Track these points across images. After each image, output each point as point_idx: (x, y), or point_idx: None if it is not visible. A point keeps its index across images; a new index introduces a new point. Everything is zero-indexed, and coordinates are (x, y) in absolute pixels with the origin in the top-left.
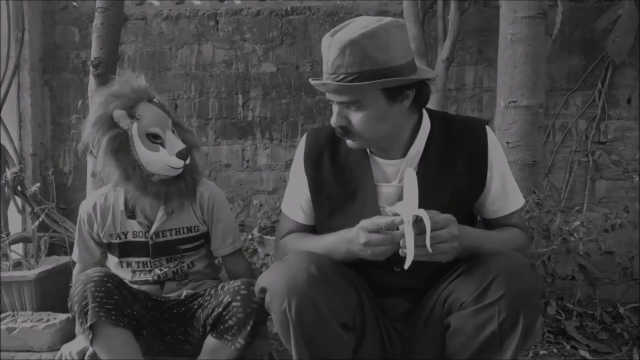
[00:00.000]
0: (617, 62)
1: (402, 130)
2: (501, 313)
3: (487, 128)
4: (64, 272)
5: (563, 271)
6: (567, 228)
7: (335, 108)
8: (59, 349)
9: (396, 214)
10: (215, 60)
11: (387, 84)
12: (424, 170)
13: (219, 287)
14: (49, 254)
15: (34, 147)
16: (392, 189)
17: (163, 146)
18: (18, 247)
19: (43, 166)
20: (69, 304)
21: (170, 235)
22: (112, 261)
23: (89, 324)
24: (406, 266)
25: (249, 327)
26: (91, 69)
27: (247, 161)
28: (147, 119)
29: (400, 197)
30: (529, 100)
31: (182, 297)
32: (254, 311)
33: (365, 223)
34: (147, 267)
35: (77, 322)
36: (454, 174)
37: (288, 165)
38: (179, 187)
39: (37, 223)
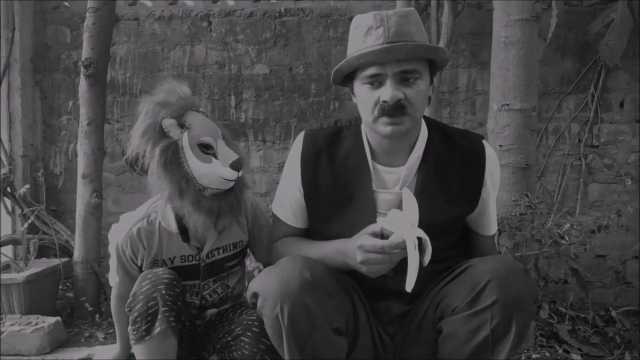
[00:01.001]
0: (610, 66)
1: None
2: (494, 318)
3: (485, 144)
4: (54, 274)
5: (556, 275)
6: (558, 231)
7: (388, 83)
8: (47, 353)
9: (384, 229)
10: (208, 62)
11: (441, 56)
12: (422, 178)
13: (238, 311)
14: (39, 256)
15: (24, 148)
16: (392, 196)
17: (215, 157)
18: (7, 250)
19: (33, 167)
20: (129, 300)
21: (219, 254)
22: None
23: (158, 328)
24: (409, 289)
25: None
26: (82, 69)
27: None
28: (198, 128)
29: (398, 205)
30: (521, 104)
31: (208, 319)
32: (260, 351)
33: (364, 241)
34: (195, 288)
35: (130, 319)
36: (450, 184)
37: (281, 167)
38: (230, 202)
39: (26, 225)
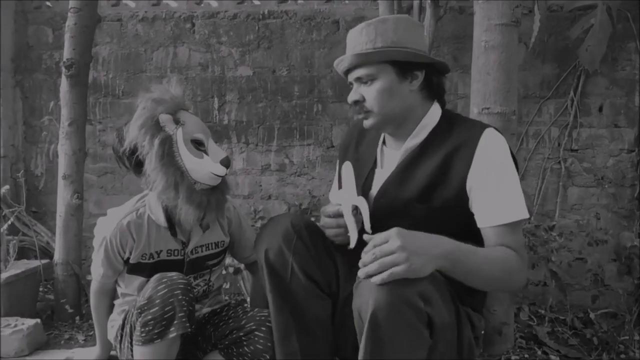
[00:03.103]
0: (589, 71)
1: (411, 115)
2: None
3: (487, 133)
4: (34, 276)
5: (536, 277)
6: (546, 236)
7: (354, 86)
8: (26, 355)
9: (335, 203)
10: (191, 63)
11: (394, 56)
12: (408, 159)
13: (240, 309)
14: (19, 257)
15: (4, 149)
16: (383, 174)
17: (207, 153)
18: None
19: (14, 168)
20: (142, 303)
21: (202, 251)
22: (135, 281)
23: (174, 333)
24: (350, 246)
25: None
26: (63, 70)
27: None
28: (192, 125)
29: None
30: (501, 107)
31: (200, 317)
32: (273, 345)
33: (323, 208)
34: None
35: (141, 321)
36: (435, 171)
37: (264, 169)
38: (218, 198)
39: (6, 226)
